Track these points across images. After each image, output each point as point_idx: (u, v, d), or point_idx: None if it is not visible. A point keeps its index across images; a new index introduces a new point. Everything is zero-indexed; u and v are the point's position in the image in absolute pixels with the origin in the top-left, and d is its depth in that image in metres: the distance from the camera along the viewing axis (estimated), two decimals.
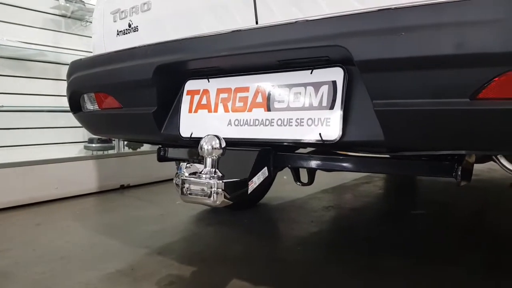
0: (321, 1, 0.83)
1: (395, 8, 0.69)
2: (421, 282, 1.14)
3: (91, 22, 2.85)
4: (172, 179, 1.89)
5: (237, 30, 0.91)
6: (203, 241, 1.54)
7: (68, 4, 2.66)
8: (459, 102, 0.66)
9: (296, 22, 0.81)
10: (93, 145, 2.66)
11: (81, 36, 2.87)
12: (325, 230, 1.68)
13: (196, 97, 1.03)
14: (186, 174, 0.84)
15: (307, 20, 0.79)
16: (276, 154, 0.94)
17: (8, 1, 2.46)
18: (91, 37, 2.67)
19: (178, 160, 1.28)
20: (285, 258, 1.35)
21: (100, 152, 2.66)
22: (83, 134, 2.78)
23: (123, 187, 2.68)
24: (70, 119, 1.70)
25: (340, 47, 0.73)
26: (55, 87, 2.69)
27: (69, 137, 2.73)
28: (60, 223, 1.83)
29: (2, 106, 2.32)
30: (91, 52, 1.41)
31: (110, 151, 2.69)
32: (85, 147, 2.71)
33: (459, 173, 0.78)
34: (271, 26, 0.86)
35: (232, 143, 0.92)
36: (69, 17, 2.78)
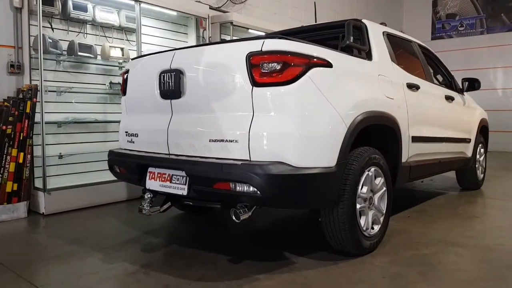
0: (185, 149, 2.61)
1: (201, 161, 2.44)
2: None
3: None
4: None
5: (162, 153, 2.71)
6: (172, 226, 3.37)
7: (112, 89, 4.57)
8: (208, 188, 2.42)
9: (177, 158, 2.59)
10: None
11: (118, 104, 4.76)
12: None
13: (151, 174, 2.82)
14: (143, 205, 2.67)
15: (179, 159, 2.57)
16: (173, 198, 2.73)
17: (77, 90, 4.39)
18: None
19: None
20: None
21: None
22: None
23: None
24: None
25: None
26: (103, 137, 4.60)
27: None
28: (110, 219, 3.73)
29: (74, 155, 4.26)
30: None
31: None
32: None
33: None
34: (171, 157, 2.64)
35: (160, 193, 2.71)
36: (112, 94, 4.68)
